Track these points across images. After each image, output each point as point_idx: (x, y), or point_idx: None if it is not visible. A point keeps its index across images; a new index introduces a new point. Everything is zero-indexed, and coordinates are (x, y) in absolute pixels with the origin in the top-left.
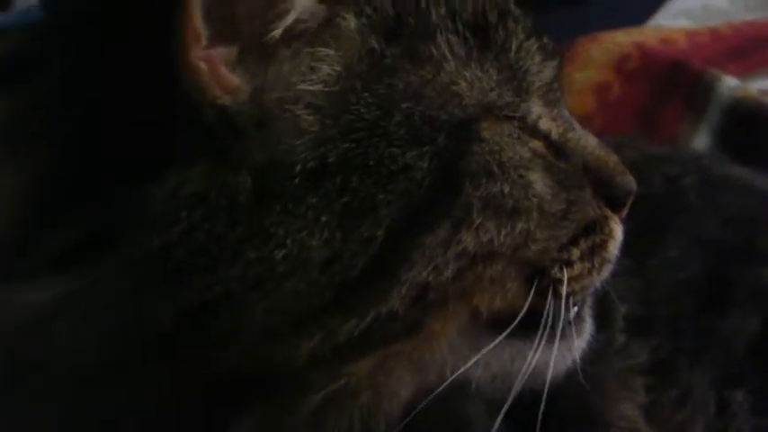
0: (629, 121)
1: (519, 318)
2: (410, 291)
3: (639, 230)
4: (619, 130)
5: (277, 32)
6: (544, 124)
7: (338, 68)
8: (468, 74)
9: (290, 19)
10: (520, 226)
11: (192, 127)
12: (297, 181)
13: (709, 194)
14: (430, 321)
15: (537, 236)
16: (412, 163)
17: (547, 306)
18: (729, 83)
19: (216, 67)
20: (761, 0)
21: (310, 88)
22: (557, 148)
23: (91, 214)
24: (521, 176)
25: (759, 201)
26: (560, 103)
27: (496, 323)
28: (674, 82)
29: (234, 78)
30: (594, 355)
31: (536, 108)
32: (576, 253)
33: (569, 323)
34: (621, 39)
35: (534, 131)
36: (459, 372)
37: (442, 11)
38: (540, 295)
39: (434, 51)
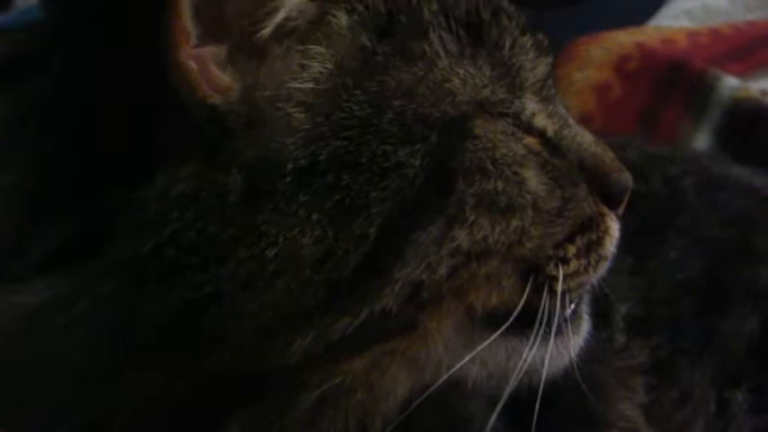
0: (630, 121)
1: (514, 315)
2: (404, 289)
3: (639, 230)
4: (619, 129)
5: (267, 31)
6: (539, 121)
7: (329, 66)
8: (461, 71)
9: (279, 17)
10: (514, 223)
11: (182, 127)
12: (288, 179)
13: (709, 194)
14: (425, 319)
15: (532, 233)
16: (404, 160)
17: (542, 303)
18: (730, 83)
19: (206, 67)
20: (761, 0)
21: (301, 86)
22: (552, 145)
23: (84, 214)
24: (515, 173)
25: (759, 201)
26: (556, 99)
27: (492, 321)
28: (674, 82)
29: (224, 77)
30: (594, 354)
31: (530, 105)
32: (571, 250)
33: (566, 321)
34: (622, 39)
35: (529, 128)
36: (455, 369)
37: (435, 8)
38: (536, 292)
39: (427, 48)
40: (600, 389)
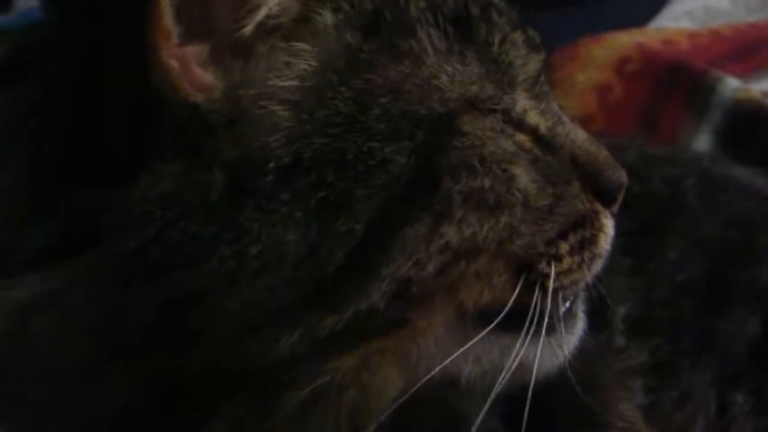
0: (631, 122)
1: (504, 312)
2: (391, 286)
3: (640, 231)
4: (620, 130)
5: (248, 29)
6: (531, 118)
7: (314, 64)
8: (448, 67)
9: (260, 15)
10: (503, 220)
11: (164, 126)
12: (270, 177)
13: (710, 196)
14: (414, 317)
15: (522, 230)
16: (391, 157)
17: (534, 301)
18: (731, 84)
19: (188, 65)
20: (762, 1)
21: (285, 84)
22: (545, 142)
23: (71, 213)
24: (503, 170)
25: (759, 202)
26: (549, 96)
27: (484, 318)
28: (675, 83)
29: (207, 76)
30: (593, 355)
31: (522, 101)
32: (564, 247)
33: (560, 319)
34: (623, 40)
35: (520, 125)
36: (446, 367)
37: (422, 4)
38: (528, 290)
39: (414, 45)
40: (599, 390)
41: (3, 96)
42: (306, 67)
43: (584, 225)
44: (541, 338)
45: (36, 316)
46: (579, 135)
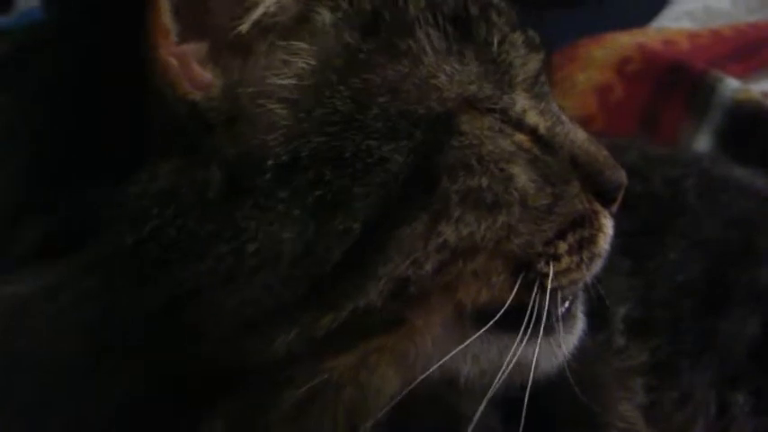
0: (631, 123)
1: (502, 311)
2: (388, 285)
3: (640, 232)
4: (620, 131)
5: (245, 27)
6: (531, 117)
7: (313, 63)
8: (447, 67)
9: (258, 13)
10: (501, 219)
11: (163, 124)
12: (268, 175)
13: (710, 196)
14: (412, 316)
15: (520, 230)
16: (389, 156)
17: (532, 300)
18: (731, 84)
19: (187, 63)
20: (762, 2)
21: (284, 82)
22: (544, 142)
23: (69, 209)
24: (501, 170)
25: (760, 202)
26: (548, 96)
27: (483, 317)
28: (675, 83)
29: (205, 74)
30: (592, 356)
31: (521, 101)
32: (563, 247)
33: (559, 319)
34: (624, 40)
35: (519, 124)
36: (444, 366)
37: (422, 4)
38: (527, 289)
39: (413, 45)
40: (598, 389)
41: (3, 96)
42: (304, 65)
43: (584, 225)
44: (539, 338)
45: (31, 311)
46: (579, 135)
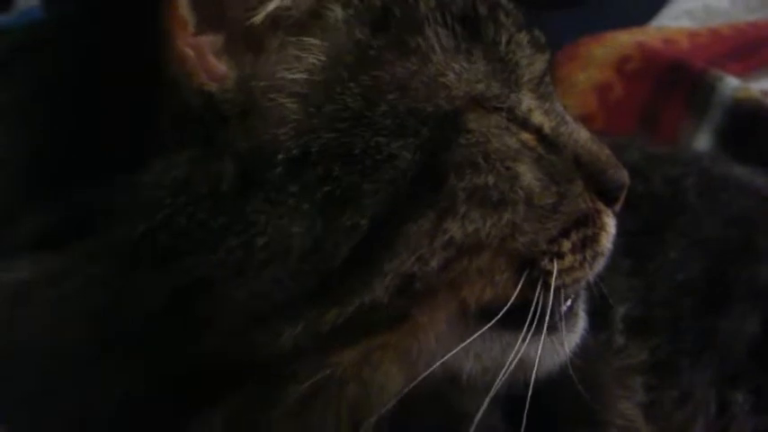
0: (631, 121)
1: (506, 309)
2: (394, 281)
3: (640, 231)
4: (620, 129)
5: (258, 18)
6: (536, 117)
7: (323, 58)
8: (455, 65)
9: (272, 6)
10: (506, 217)
11: (178, 114)
12: (279, 169)
13: (710, 195)
14: (416, 312)
15: (524, 228)
16: (397, 153)
17: (535, 298)
18: (731, 83)
19: (203, 55)
20: (761, 1)
21: (295, 77)
22: (548, 141)
23: (76, 196)
24: (507, 168)
25: (759, 201)
26: (553, 96)
27: (486, 315)
28: (675, 82)
29: (220, 66)
30: (593, 354)
31: (526, 100)
32: (566, 245)
33: (561, 317)
34: (624, 39)
35: (525, 123)
36: (447, 364)
37: (432, 3)
38: (531, 287)
39: (422, 43)
40: (598, 388)
41: (2, 95)
42: (315, 61)
43: (587, 224)
44: (543, 336)
45: (34, 298)
46: (582, 134)
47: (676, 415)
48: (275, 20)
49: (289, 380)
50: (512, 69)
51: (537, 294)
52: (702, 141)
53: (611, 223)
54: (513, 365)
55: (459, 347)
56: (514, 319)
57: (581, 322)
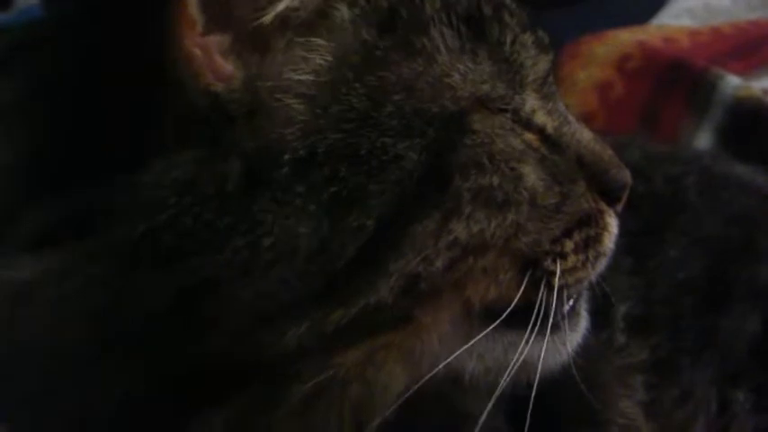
0: (631, 120)
1: (510, 309)
2: (399, 281)
3: (641, 230)
4: (621, 128)
5: (267, 18)
6: (539, 118)
7: (330, 59)
8: (461, 66)
9: (281, 6)
10: (510, 217)
11: (183, 114)
12: (285, 170)
13: (711, 194)
14: (420, 313)
15: (528, 228)
16: (403, 153)
17: (538, 298)
18: (732, 82)
19: (210, 55)
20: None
21: (301, 78)
22: (551, 142)
23: (77, 196)
24: (512, 169)
25: (760, 200)
26: (556, 96)
27: (490, 315)
28: (676, 81)
29: (227, 66)
30: (594, 353)
31: (530, 101)
32: (569, 245)
33: (564, 317)
34: (624, 37)
35: (528, 124)
36: (450, 364)
37: (437, 3)
38: (534, 287)
39: (427, 44)
40: (600, 387)
41: (9, 79)
42: (321, 62)
43: (589, 224)
44: (546, 336)
45: (35, 297)
46: (585, 135)
47: (677, 413)
48: (283, 20)
49: (292, 380)
50: (516, 70)
51: (540, 294)
52: (703, 140)
53: (613, 223)
54: (516, 365)
55: (462, 348)
56: (517, 320)
57: (583, 322)
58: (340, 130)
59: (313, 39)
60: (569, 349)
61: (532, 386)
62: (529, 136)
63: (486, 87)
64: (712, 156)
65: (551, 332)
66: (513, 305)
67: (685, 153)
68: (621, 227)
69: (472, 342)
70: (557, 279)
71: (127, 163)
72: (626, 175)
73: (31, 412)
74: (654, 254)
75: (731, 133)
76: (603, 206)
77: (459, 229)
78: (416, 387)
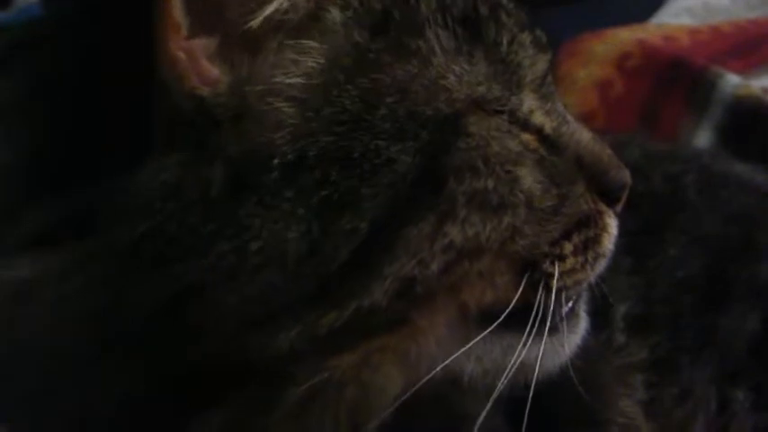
0: (631, 118)
1: (507, 312)
2: (394, 284)
3: (640, 229)
4: (621, 126)
5: (256, 22)
6: (537, 118)
7: (322, 61)
8: (456, 68)
9: (270, 9)
10: (506, 221)
11: (169, 118)
12: (274, 174)
13: (710, 192)
14: (416, 316)
15: (525, 231)
16: (396, 157)
17: (537, 300)
18: (731, 80)
19: (196, 58)
20: None
21: (292, 81)
22: (550, 142)
23: (77, 195)
24: (508, 172)
25: (760, 198)
26: (554, 96)
27: (487, 318)
28: (675, 79)
29: (213, 70)
30: (594, 355)
31: (528, 101)
32: (568, 247)
33: (563, 318)
34: (624, 36)
35: (526, 125)
36: (448, 366)
37: (432, 4)
38: (532, 289)
39: (422, 45)
40: (599, 388)
41: (2, 92)
42: (313, 64)
43: (588, 225)
44: (544, 338)
45: (35, 297)
46: (584, 135)
47: (676, 412)
48: (272, 23)
49: (287, 382)
50: (513, 70)
51: (538, 297)
52: (703, 138)
53: (612, 224)
54: (514, 367)
55: (459, 351)
56: (515, 321)
57: (582, 323)
58: (332, 133)
59: (304, 41)
60: (568, 351)
61: (531, 387)
62: (526, 137)
63: (481, 89)
64: (712, 154)
65: (550, 334)
66: (510, 308)
67: (685, 151)
68: (621, 226)
69: (469, 345)
70: (555, 281)
71: (126, 163)
72: (625, 176)
73: (31, 412)
74: (653, 253)
75: (731, 132)
76: (603, 207)
77: (454, 233)
78: (414, 389)
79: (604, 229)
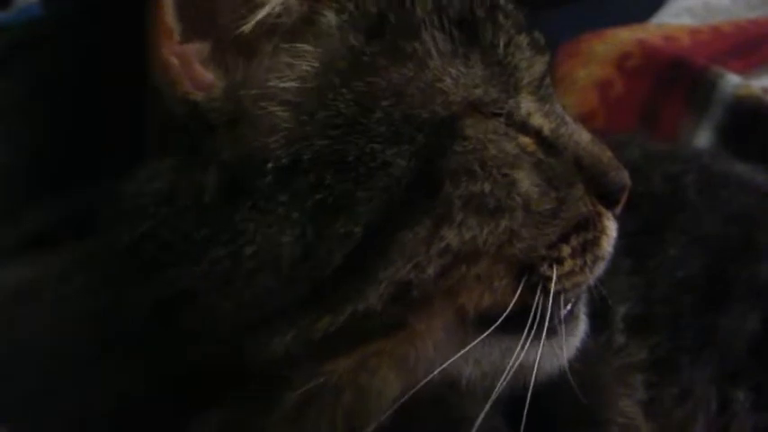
0: (631, 118)
1: (505, 315)
2: (389, 288)
3: (640, 229)
4: (621, 126)
5: (248, 27)
6: (535, 120)
7: (316, 65)
8: (453, 70)
9: (262, 13)
10: (503, 224)
11: (162, 123)
12: (269, 178)
13: (710, 192)
14: (413, 320)
15: (523, 234)
16: (392, 160)
17: (534, 303)
18: (732, 80)
19: (189, 63)
20: None
21: (286, 85)
22: (548, 144)
23: (77, 196)
24: (504, 175)
25: (760, 198)
26: (552, 98)
27: (485, 321)
28: (675, 79)
29: (207, 74)
30: (593, 357)
31: (526, 103)
32: (566, 250)
33: (561, 321)
34: (624, 35)
35: (524, 127)
36: (445, 370)
37: (429, 7)
38: (530, 292)
39: (418, 48)
40: (599, 390)
41: (2, 92)
42: (308, 68)
43: (587, 227)
44: (542, 341)
45: (35, 297)
46: (583, 136)
47: (677, 412)
48: (265, 27)
49: (282, 387)
50: (510, 72)
51: (536, 300)
52: (703, 138)
53: (611, 226)
54: (512, 370)
55: (457, 354)
56: (514, 324)
57: (582, 325)
58: (326, 137)
59: (299, 45)
60: (567, 353)
61: (530, 389)
62: (524, 140)
63: (478, 91)
64: (712, 154)
65: (548, 337)
66: (508, 311)
67: (685, 151)
68: (623, 228)
69: (467, 348)
70: (553, 284)
71: (126, 163)
72: (625, 177)
73: (31, 412)
74: (653, 253)
75: (731, 132)
76: (602, 209)
77: (450, 236)
78: (411, 393)
79: (603, 231)
